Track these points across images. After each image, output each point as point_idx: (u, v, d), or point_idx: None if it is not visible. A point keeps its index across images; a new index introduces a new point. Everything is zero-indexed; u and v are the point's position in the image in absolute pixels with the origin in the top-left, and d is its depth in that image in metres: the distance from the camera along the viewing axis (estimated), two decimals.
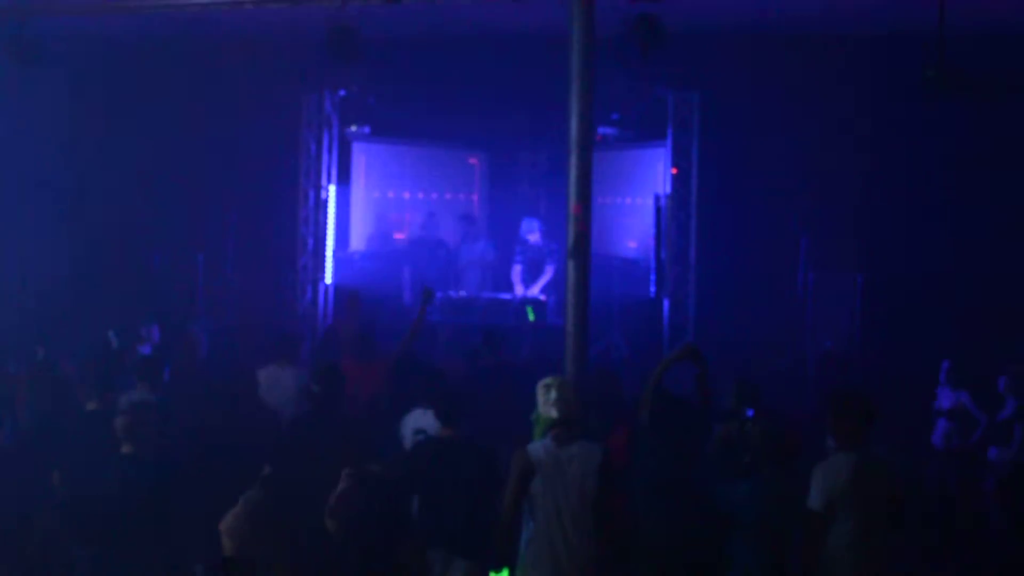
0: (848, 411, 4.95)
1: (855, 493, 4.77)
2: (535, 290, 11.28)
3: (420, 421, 6.08)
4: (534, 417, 5.55)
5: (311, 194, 11.56)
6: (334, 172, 11.64)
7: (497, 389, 7.14)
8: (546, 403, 5.14)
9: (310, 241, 11.58)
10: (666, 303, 10.87)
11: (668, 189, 10.80)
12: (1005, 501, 6.74)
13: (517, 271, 11.31)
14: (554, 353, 7.48)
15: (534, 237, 11.33)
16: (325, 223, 11.52)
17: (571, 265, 7.04)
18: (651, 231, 10.87)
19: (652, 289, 10.96)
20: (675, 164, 10.80)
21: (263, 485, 4.93)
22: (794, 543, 4.97)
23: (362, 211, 12.33)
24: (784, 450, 5.11)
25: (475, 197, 13.26)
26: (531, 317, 10.04)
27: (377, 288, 11.39)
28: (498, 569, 5.14)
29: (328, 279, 11.58)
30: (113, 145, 11.62)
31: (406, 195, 12.79)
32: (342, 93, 11.43)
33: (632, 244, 11.99)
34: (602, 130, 11.54)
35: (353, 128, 11.95)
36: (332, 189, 11.59)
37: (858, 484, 4.78)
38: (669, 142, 10.83)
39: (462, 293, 11.39)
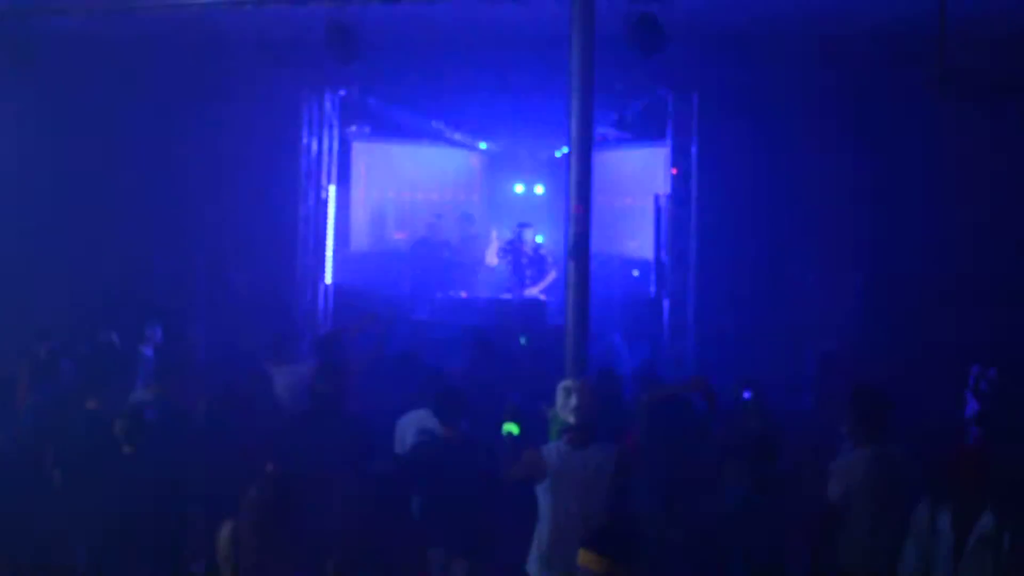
0: (866, 406, 4.97)
1: (871, 488, 4.78)
2: (535, 291, 11.32)
3: (419, 422, 6.08)
4: (551, 415, 5.55)
5: (311, 194, 11.56)
6: (334, 172, 11.64)
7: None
8: (565, 407, 5.12)
9: (310, 241, 11.58)
10: (666, 303, 10.87)
11: (668, 189, 10.80)
12: None
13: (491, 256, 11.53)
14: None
15: (529, 246, 11.44)
16: (325, 223, 11.53)
17: (571, 265, 7.04)
18: (651, 231, 10.87)
19: (652, 289, 10.97)
20: (675, 164, 10.80)
21: (266, 483, 4.92)
22: (795, 541, 4.99)
23: (362, 211, 12.34)
24: (764, 451, 5.11)
25: (475, 197, 13.28)
26: (523, 342, 10.15)
27: (376, 288, 11.43)
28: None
29: (328, 279, 11.58)
30: (113, 145, 11.61)
31: (406, 195, 12.81)
32: (342, 93, 11.44)
33: (632, 244, 12.00)
34: (602, 130, 11.56)
35: (353, 128, 11.96)
36: (332, 189, 11.59)
37: (874, 479, 4.79)
38: (669, 142, 10.83)
39: (462, 293, 11.42)
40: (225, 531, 4.58)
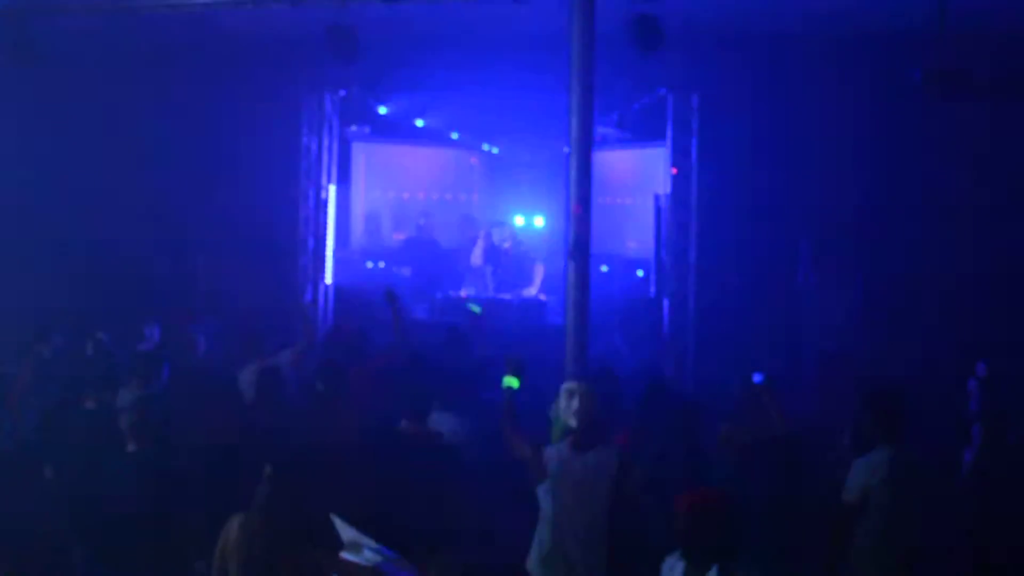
0: (884, 409, 4.98)
1: (890, 489, 4.79)
2: (532, 291, 11.34)
3: (438, 424, 6.05)
4: (553, 416, 5.55)
5: (311, 194, 11.56)
6: (334, 172, 11.64)
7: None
8: (567, 409, 5.11)
9: (310, 241, 11.58)
10: (666, 303, 10.87)
11: (668, 189, 10.81)
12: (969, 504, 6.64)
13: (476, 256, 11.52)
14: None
15: (508, 244, 11.47)
16: (325, 223, 11.52)
17: (571, 265, 7.05)
18: (651, 231, 10.88)
19: (652, 289, 10.97)
20: (675, 164, 10.80)
21: (267, 485, 4.94)
22: (802, 540, 4.99)
23: (362, 211, 12.34)
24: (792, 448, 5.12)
25: (475, 197, 13.28)
26: (476, 310, 10.12)
27: (375, 287, 11.43)
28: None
29: (328, 279, 11.58)
30: (113, 145, 11.62)
31: (406, 195, 12.81)
32: (342, 93, 11.44)
33: (632, 244, 12.00)
34: (602, 130, 11.56)
35: (353, 128, 11.96)
36: (332, 189, 11.59)
37: (894, 480, 4.81)
38: (669, 142, 10.83)
39: (462, 293, 11.43)
40: (235, 523, 4.64)
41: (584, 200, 7.05)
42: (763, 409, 5.66)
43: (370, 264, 12.13)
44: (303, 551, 4.43)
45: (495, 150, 13.17)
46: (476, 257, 11.71)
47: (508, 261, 11.54)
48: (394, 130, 12.31)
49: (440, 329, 10.73)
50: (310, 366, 7.36)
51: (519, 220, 12.90)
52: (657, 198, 10.82)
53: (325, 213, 11.53)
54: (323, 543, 4.51)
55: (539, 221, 13.00)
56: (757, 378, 5.73)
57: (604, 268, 11.93)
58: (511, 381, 5.25)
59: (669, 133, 10.82)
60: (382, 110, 11.89)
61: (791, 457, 5.19)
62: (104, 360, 7.20)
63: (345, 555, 3.49)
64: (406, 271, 11.88)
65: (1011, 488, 5.99)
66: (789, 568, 4.96)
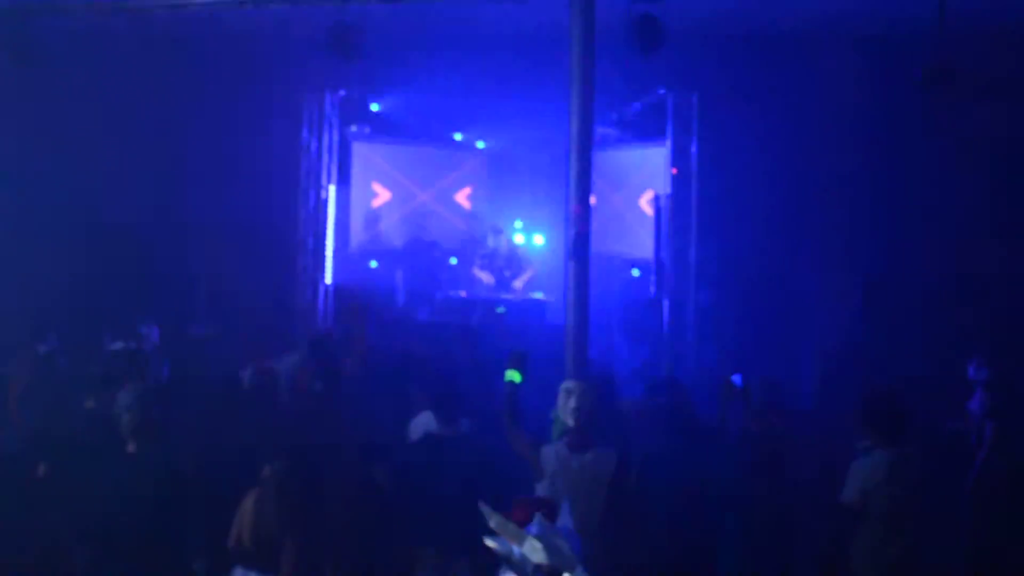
0: (884, 410, 4.99)
1: (890, 490, 4.80)
2: (518, 284, 11.40)
3: (428, 424, 6.06)
4: (554, 415, 5.56)
5: (311, 194, 11.55)
6: (334, 172, 11.64)
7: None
8: (564, 408, 5.11)
9: (310, 241, 11.57)
10: (666, 303, 10.87)
11: (668, 189, 10.81)
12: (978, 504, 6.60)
13: (485, 276, 11.53)
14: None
15: (503, 248, 11.53)
16: (325, 223, 11.52)
17: (571, 265, 7.05)
18: (651, 231, 10.87)
19: (652, 289, 10.97)
20: (675, 164, 10.80)
21: (267, 485, 4.96)
22: (802, 541, 5.00)
23: (362, 211, 12.34)
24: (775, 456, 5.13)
25: (475, 197, 13.27)
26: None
27: (374, 288, 11.45)
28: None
29: (328, 279, 11.58)
30: (112, 145, 11.60)
31: (406, 195, 12.80)
32: (342, 93, 11.44)
33: (632, 244, 11.99)
34: (602, 130, 11.56)
35: (353, 128, 11.96)
36: (332, 189, 11.59)
37: (892, 482, 4.81)
38: (669, 142, 10.83)
39: (462, 293, 11.43)
40: (249, 501, 4.74)
41: (584, 200, 7.05)
42: (742, 410, 5.70)
43: (374, 264, 12.12)
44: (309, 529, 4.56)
45: (482, 144, 13.08)
46: (475, 261, 11.74)
47: (505, 262, 11.57)
48: (394, 130, 12.31)
49: (439, 330, 10.79)
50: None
51: (519, 238, 12.68)
52: (657, 198, 10.82)
53: (325, 213, 11.53)
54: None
55: (538, 239, 12.79)
56: (736, 379, 5.76)
57: (636, 272, 11.85)
58: (513, 375, 5.26)
59: (669, 133, 10.82)
60: (374, 107, 11.89)
61: (771, 457, 5.19)
62: (106, 361, 7.20)
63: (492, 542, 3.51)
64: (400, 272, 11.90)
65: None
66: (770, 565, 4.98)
